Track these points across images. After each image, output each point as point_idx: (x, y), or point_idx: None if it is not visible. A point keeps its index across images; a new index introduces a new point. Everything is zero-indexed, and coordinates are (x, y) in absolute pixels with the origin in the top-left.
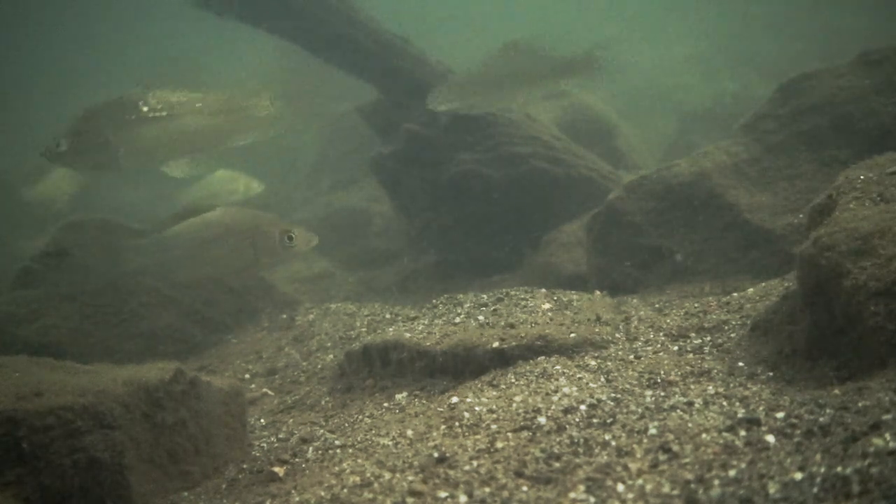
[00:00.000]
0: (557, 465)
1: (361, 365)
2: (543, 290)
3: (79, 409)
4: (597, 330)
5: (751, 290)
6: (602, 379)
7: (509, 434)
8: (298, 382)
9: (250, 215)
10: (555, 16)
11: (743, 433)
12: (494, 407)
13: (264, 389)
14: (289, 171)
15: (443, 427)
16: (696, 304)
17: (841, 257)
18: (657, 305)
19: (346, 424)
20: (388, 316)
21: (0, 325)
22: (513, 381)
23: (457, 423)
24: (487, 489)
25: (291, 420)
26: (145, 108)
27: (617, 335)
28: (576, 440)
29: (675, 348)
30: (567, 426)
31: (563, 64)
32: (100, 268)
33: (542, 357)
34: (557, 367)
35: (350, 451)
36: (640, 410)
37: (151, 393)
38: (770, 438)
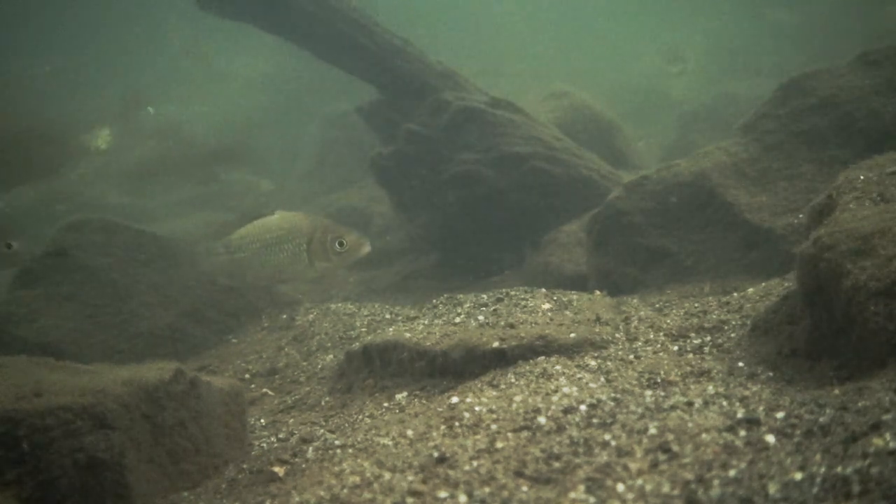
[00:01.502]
0: (557, 465)
1: (361, 365)
2: (543, 290)
3: (78, 410)
4: (597, 330)
5: (751, 290)
6: (602, 379)
7: (509, 434)
8: (298, 382)
9: (306, 219)
10: (558, 15)
11: (743, 433)
12: (494, 407)
13: (264, 389)
14: (288, 172)
15: (443, 427)
16: (696, 304)
17: (841, 257)
18: (657, 305)
19: (346, 424)
20: (388, 316)
21: (0, 325)
22: (513, 381)
23: (457, 423)
24: (487, 489)
25: (291, 420)
26: None
27: (617, 335)
28: (576, 440)
29: (675, 348)
30: (567, 426)
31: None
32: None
33: (542, 357)
34: (557, 367)
35: (350, 451)
36: (640, 410)
37: (151, 393)
38: (770, 438)
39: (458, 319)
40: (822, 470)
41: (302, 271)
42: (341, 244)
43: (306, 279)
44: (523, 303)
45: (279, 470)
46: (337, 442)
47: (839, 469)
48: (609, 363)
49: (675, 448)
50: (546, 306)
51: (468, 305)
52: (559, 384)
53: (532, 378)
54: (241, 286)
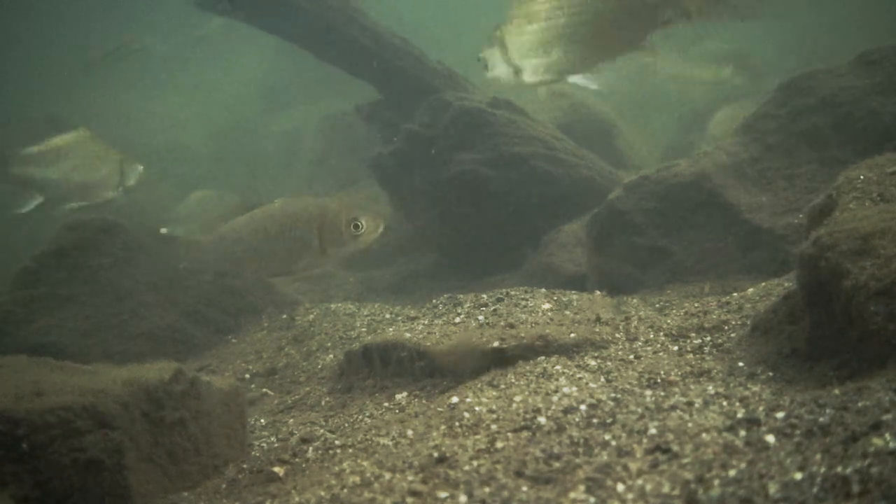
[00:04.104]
0: (557, 465)
1: (361, 365)
2: (543, 290)
3: (78, 409)
4: (597, 330)
5: (751, 290)
6: (602, 379)
7: (509, 434)
8: (298, 382)
9: (314, 203)
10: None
11: (743, 433)
12: (494, 407)
13: (264, 389)
14: (288, 172)
15: (443, 427)
16: (696, 304)
17: (841, 257)
18: (657, 305)
19: (346, 424)
20: (388, 316)
21: (0, 325)
22: (513, 381)
23: (457, 423)
24: (487, 489)
25: (291, 420)
26: None
27: (617, 335)
28: (576, 440)
29: (675, 348)
30: (567, 426)
31: None
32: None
33: (542, 357)
34: (557, 367)
35: (350, 451)
36: (640, 410)
37: (151, 393)
38: (770, 438)
39: (458, 319)
40: (822, 470)
41: (312, 260)
42: (357, 226)
43: (314, 269)
44: (523, 303)
45: (279, 470)
46: (337, 442)
47: (839, 469)
48: (609, 363)
49: (675, 448)
50: (546, 306)
51: (468, 305)
52: (559, 384)
53: (532, 378)
54: (237, 284)
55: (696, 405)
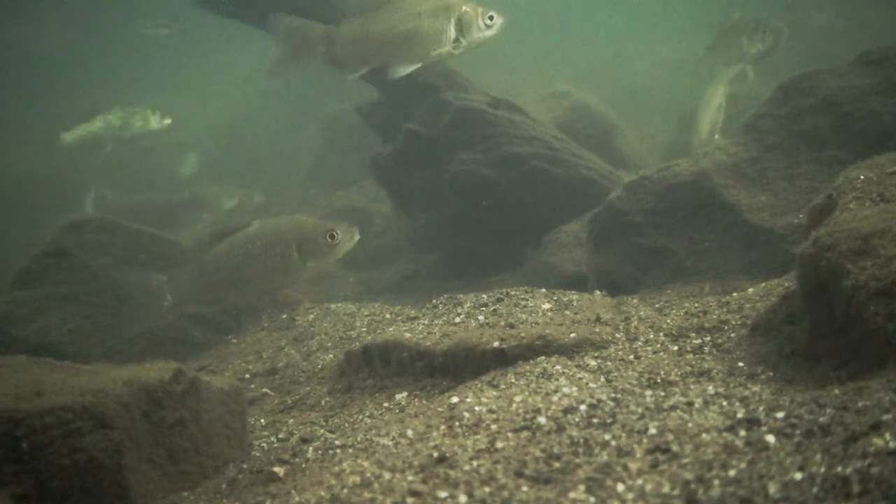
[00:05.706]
0: (557, 465)
1: (361, 365)
2: (543, 290)
3: (78, 409)
4: (597, 330)
5: (751, 290)
6: (602, 379)
7: (509, 434)
8: (298, 382)
9: (290, 221)
10: (558, 10)
11: (743, 433)
12: (494, 407)
13: (264, 389)
14: (286, 175)
15: (443, 427)
16: (696, 304)
17: (841, 257)
18: (657, 305)
19: (346, 424)
20: (388, 316)
21: (0, 326)
22: (513, 381)
23: (457, 423)
24: (487, 489)
25: (291, 420)
26: None
27: (617, 335)
28: (576, 440)
29: (675, 348)
30: (567, 426)
31: None
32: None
33: (542, 357)
34: (557, 367)
35: (350, 451)
36: (640, 410)
37: (151, 393)
38: (770, 438)
39: (458, 319)
40: (822, 470)
41: (294, 274)
42: (333, 237)
43: (298, 282)
44: (523, 303)
45: (279, 470)
46: (337, 442)
47: (839, 469)
48: (609, 363)
49: (675, 448)
50: (546, 306)
51: (468, 305)
52: (559, 384)
53: (532, 378)
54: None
55: (696, 405)
